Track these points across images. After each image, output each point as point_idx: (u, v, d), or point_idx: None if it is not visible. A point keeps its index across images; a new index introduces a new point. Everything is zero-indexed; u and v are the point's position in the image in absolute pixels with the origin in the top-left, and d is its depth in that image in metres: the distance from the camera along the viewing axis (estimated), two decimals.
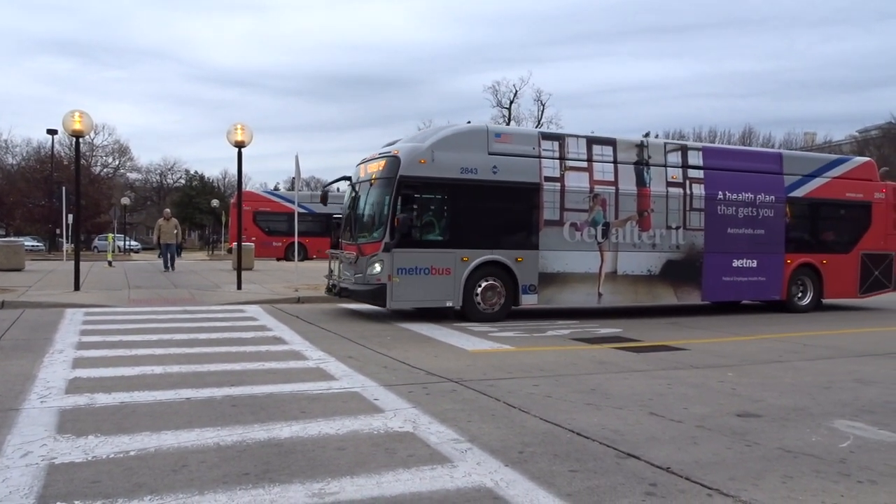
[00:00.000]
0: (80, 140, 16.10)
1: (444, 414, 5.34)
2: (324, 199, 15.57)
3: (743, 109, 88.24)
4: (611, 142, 12.87)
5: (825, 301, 14.94)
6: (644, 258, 12.86)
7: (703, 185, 13.44)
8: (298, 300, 14.12)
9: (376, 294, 11.23)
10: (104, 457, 4.13)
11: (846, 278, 14.99)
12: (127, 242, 52.43)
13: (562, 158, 12.36)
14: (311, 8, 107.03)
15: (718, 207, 13.53)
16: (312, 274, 20.93)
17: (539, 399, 5.96)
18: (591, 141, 12.75)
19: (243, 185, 19.75)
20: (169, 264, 22.32)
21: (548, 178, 12.16)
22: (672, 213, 13.15)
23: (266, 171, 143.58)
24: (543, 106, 72.12)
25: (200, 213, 69.60)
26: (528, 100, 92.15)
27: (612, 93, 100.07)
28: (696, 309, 14.38)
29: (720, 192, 13.55)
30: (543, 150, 12.24)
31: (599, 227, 12.53)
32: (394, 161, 11.39)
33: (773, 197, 14.06)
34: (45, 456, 4.12)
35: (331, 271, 13.03)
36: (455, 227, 11.62)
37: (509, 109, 73.24)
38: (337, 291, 12.28)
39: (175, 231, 22.47)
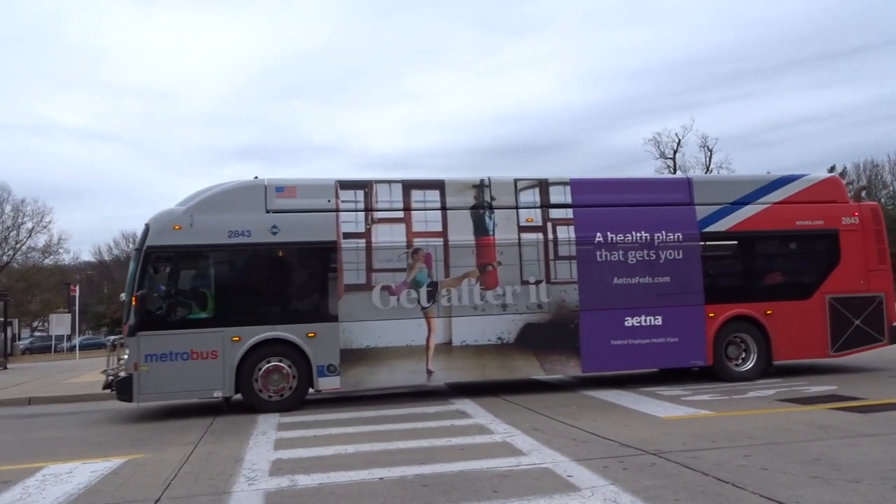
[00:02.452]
0: None
1: (646, 491, 4.90)
2: None
3: None
4: (437, 185, 10.80)
5: (782, 363, 11.56)
6: (492, 323, 10.53)
7: (572, 227, 10.94)
8: None
9: (122, 386, 9.79)
10: None
11: (808, 332, 11.33)
12: None
13: (368, 210, 10.50)
14: (460, 89, 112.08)
15: (598, 253, 10.92)
16: None
17: (753, 472, 5.32)
18: (410, 186, 10.73)
19: None
20: None
21: (348, 235, 10.35)
22: (529, 265, 10.73)
23: None
24: (711, 151, 68.91)
25: None
26: (692, 147, 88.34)
27: (781, 128, 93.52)
28: None
29: (599, 234, 10.96)
30: (343, 201, 10.44)
31: (423, 289, 10.43)
32: (144, 230, 10.11)
33: (679, 234, 11.18)
34: None
35: (118, 360, 10.76)
36: (223, 302, 10.06)
37: (673, 159, 70.61)
38: (107, 384, 10.54)
39: None
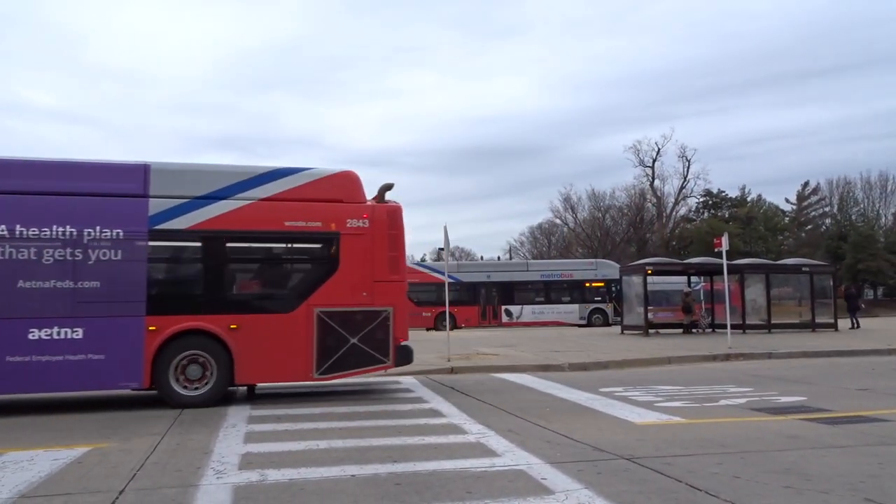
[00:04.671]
0: None
1: (620, 496, 4.89)
2: None
3: None
4: None
5: (253, 385, 10.61)
6: None
7: None
8: (451, 370, 14.06)
9: None
10: None
11: (286, 350, 9.86)
12: None
13: None
14: (440, 89, 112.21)
15: None
16: (463, 344, 20.95)
17: (726, 480, 5.34)
18: None
19: None
20: None
21: None
22: None
23: (406, 243, 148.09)
24: (689, 162, 69.87)
25: None
26: (671, 157, 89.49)
27: (755, 143, 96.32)
28: (889, 372, 12.71)
29: (0, 227, 9.12)
30: None
31: None
32: None
33: (119, 231, 9.38)
34: None
35: None
36: None
37: (652, 168, 71.58)
38: None
39: None
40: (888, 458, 6.08)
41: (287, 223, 10.11)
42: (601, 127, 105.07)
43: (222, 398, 9.87)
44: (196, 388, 9.66)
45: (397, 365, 10.47)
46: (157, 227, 9.63)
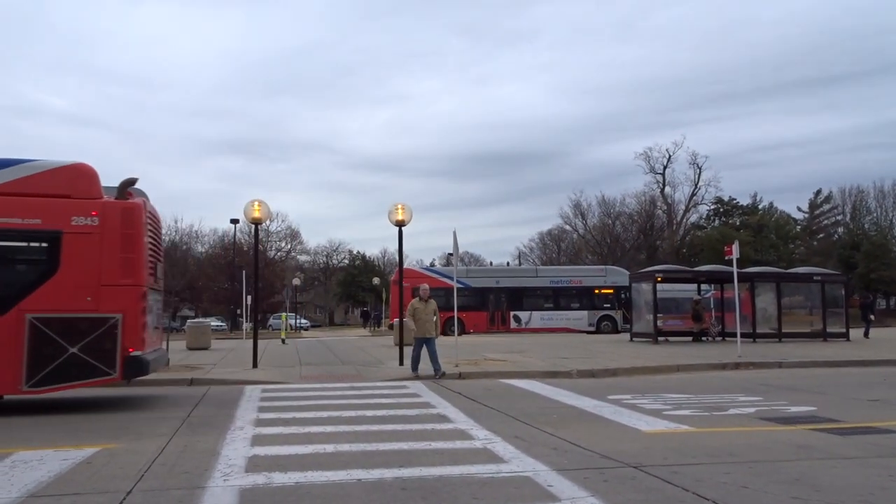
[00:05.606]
0: (259, 227, 17.47)
1: None
2: None
3: None
4: None
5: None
6: None
7: None
8: (459, 376, 14.05)
9: None
10: None
11: None
12: (298, 320, 55.98)
13: None
14: (448, 94, 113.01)
15: None
16: (471, 349, 20.92)
17: (734, 490, 5.30)
18: None
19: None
20: (439, 367, 14.02)
21: None
22: None
23: (415, 249, 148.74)
24: (700, 169, 69.61)
25: (363, 291, 73.10)
26: (682, 164, 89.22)
27: (767, 151, 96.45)
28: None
29: None
30: None
31: None
32: None
33: None
34: None
35: None
36: None
37: (663, 175, 71.37)
38: None
39: (435, 318, 14.48)
40: None
41: None
42: (611, 133, 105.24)
43: None
44: None
45: (126, 378, 9.56)
46: None
